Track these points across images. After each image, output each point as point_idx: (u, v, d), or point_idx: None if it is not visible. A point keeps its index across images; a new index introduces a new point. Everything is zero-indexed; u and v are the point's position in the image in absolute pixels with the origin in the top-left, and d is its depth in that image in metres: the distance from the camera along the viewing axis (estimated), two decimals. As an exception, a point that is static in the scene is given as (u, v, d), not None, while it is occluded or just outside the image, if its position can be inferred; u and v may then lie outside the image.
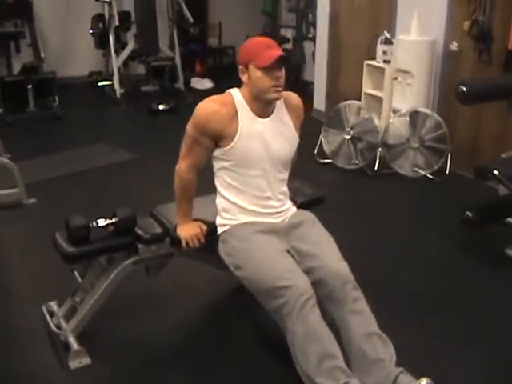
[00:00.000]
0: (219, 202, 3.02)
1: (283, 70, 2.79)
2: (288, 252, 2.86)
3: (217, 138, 2.86)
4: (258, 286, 2.77)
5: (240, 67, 2.83)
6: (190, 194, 3.03)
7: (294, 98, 3.04)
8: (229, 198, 2.97)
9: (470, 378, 2.96)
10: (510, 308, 3.56)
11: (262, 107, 2.87)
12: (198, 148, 2.90)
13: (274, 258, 2.79)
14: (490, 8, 5.20)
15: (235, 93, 2.89)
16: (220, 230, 3.01)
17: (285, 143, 2.96)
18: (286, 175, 3.06)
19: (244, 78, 2.83)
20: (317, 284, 2.74)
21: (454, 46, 5.59)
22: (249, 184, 2.92)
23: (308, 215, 3.09)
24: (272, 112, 2.91)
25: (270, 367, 2.99)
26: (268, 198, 2.97)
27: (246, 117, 2.85)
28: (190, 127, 2.89)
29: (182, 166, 2.97)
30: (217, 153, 2.91)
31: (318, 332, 2.60)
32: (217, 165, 2.97)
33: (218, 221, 3.03)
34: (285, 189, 3.08)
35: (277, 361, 2.94)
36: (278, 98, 2.85)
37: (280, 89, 2.80)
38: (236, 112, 2.84)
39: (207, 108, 2.83)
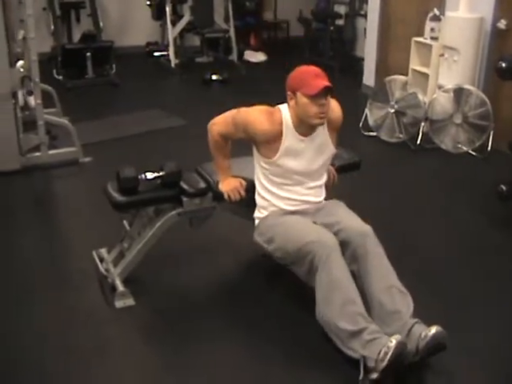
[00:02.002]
0: (257, 198, 3.26)
1: (328, 98, 2.98)
2: (314, 223, 3.10)
3: (255, 141, 3.11)
4: (288, 250, 3.00)
5: (288, 93, 3.03)
6: (223, 150, 3.27)
7: (335, 109, 3.19)
8: (267, 198, 3.21)
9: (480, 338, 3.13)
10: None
11: (306, 129, 3.07)
12: (233, 130, 3.17)
13: (301, 224, 3.06)
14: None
15: (284, 110, 3.09)
16: (256, 221, 3.26)
17: (322, 158, 3.19)
18: (322, 181, 3.29)
19: (291, 103, 3.03)
20: (342, 244, 2.96)
21: (502, 24, 5.62)
22: (286, 190, 3.17)
23: (334, 200, 3.32)
24: (314, 131, 3.11)
25: (298, 320, 3.19)
26: (305, 202, 3.20)
27: (290, 136, 3.06)
28: (238, 115, 3.13)
29: (215, 128, 3.22)
30: (258, 159, 3.17)
31: (342, 280, 2.81)
32: (257, 168, 3.21)
33: (256, 214, 3.28)
34: (321, 192, 3.30)
35: (306, 316, 3.11)
36: (321, 124, 3.06)
37: (323, 115, 3.00)
38: (281, 131, 3.05)
39: (257, 120, 3.05)
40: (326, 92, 2.94)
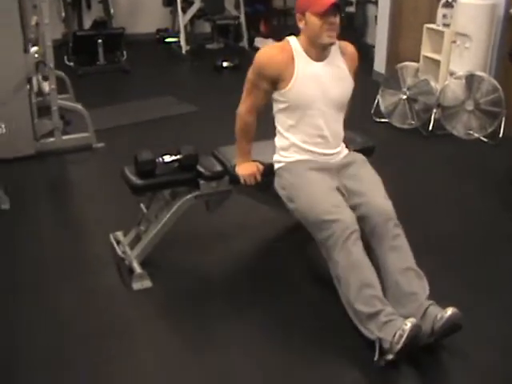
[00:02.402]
0: (278, 140, 3.28)
1: (337, 17, 3.01)
2: (338, 189, 3.10)
3: (274, 82, 3.12)
4: (307, 218, 3.02)
5: (297, 15, 3.09)
6: (249, 134, 3.30)
7: (349, 46, 3.27)
8: (287, 136, 3.22)
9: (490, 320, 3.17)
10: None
11: (318, 52, 3.10)
12: (256, 91, 3.17)
13: (324, 193, 3.03)
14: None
15: (292, 40, 3.15)
16: (276, 165, 3.27)
17: (339, 84, 3.19)
18: (341, 117, 3.30)
19: (301, 24, 3.08)
20: (362, 219, 2.98)
21: (514, 10, 5.64)
22: (306, 123, 3.16)
23: (359, 156, 3.32)
24: (327, 57, 3.14)
25: (316, 300, 3.24)
26: (324, 137, 3.20)
27: (302, 61, 3.09)
28: (250, 72, 3.18)
29: (242, 109, 3.25)
30: (275, 95, 3.18)
31: (360, 263, 2.84)
32: (276, 107, 3.23)
33: (275, 157, 3.29)
34: (340, 130, 3.31)
35: (322, 294, 3.19)
36: (332, 43, 3.09)
37: (334, 33, 3.04)
38: (293, 57, 3.09)
39: (266, 53, 3.12)
40: (334, 9, 2.98)
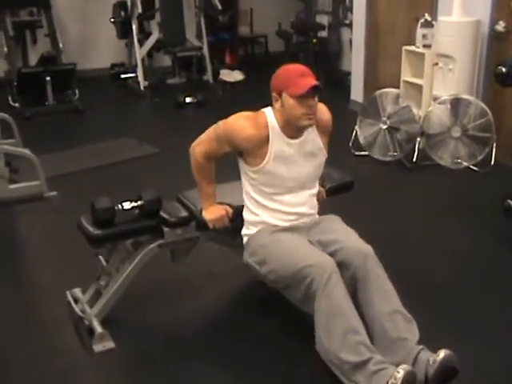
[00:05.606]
0: (246, 214, 3.34)
1: (316, 99, 3.08)
2: (310, 242, 3.18)
3: (241, 152, 3.19)
4: (283, 273, 3.06)
5: (273, 94, 3.13)
6: (208, 175, 3.34)
7: (324, 114, 3.29)
8: (257, 213, 3.28)
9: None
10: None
11: (294, 131, 3.16)
12: (217, 146, 3.23)
13: (296, 245, 3.12)
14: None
15: (269, 114, 3.17)
16: (245, 238, 3.33)
17: (313, 163, 3.28)
18: (315, 189, 3.38)
19: (277, 105, 3.12)
20: (341, 265, 3.02)
21: (500, 26, 5.76)
22: (276, 201, 3.24)
23: (330, 215, 3.41)
24: (303, 134, 3.20)
25: (292, 352, 3.26)
26: (298, 214, 3.29)
27: (277, 140, 3.14)
28: (219, 128, 3.21)
29: (197, 150, 3.30)
30: (245, 169, 3.24)
31: (342, 307, 2.87)
32: (245, 180, 3.29)
33: (244, 231, 3.35)
34: (314, 200, 3.39)
35: (300, 347, 3.21)
36: (310, 126, 3.15)
37: (312, 116, 3.09)
38: (268, 135, 3.13)
39: (239, 126, 3.12)
40: (313, 91, 3.03)
